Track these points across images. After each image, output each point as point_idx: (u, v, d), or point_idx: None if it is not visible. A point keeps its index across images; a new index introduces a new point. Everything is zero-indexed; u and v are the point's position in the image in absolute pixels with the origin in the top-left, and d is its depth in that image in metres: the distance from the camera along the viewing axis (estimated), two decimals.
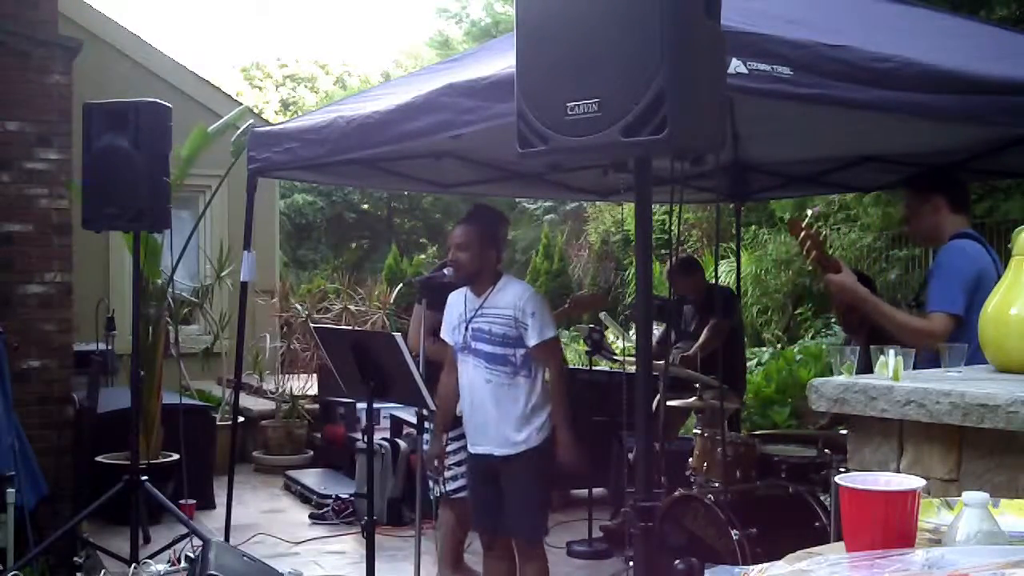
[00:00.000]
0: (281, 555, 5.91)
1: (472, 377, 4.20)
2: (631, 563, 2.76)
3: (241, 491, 7.19)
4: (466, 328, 4.18)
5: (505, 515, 4.17)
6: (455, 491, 4.55)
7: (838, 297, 3.92)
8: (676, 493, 4.21)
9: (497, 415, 4.13)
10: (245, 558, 4.02)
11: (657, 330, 6.91)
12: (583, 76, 2.36)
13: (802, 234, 3.65)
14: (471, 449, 4.29)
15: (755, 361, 8.85)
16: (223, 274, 8.52)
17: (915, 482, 1.58)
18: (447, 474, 4.52)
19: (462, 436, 4.42)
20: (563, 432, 4.16)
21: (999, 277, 3.40)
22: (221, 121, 7.25)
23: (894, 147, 5.13)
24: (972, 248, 3.61)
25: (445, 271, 4.31)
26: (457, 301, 4.31)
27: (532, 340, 4.08)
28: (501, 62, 3.41)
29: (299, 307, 10.45)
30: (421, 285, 4.52)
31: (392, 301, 11.02)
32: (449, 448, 4.52)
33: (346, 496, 6.88)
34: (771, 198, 8.98)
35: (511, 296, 4.14)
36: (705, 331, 6.00)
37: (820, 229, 10.55)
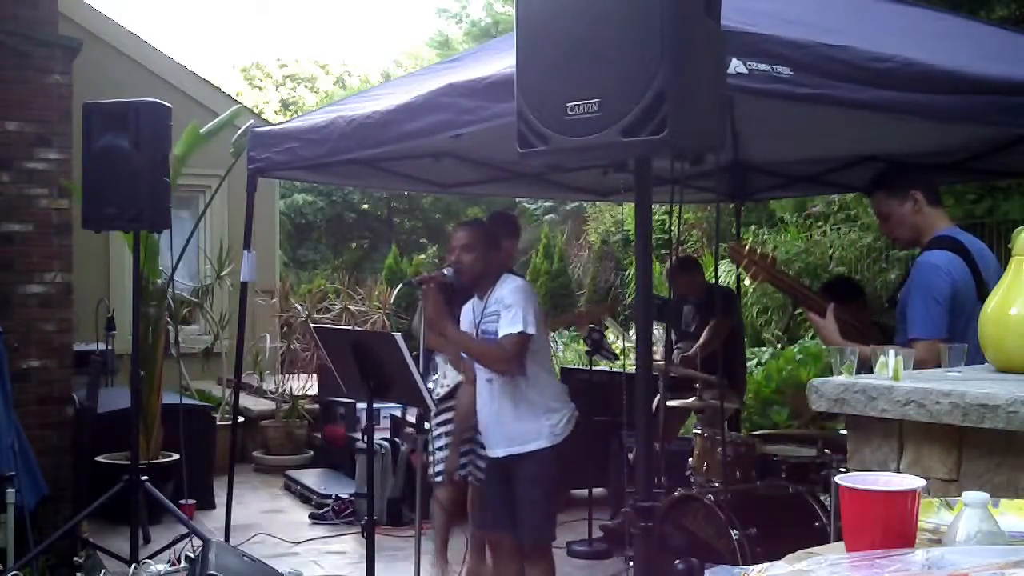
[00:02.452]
0: (281, 555, 5.91)
1: (480, 379, 4.23)
2: (631, 563, 2.76)
3: (241, 491, 7.18)
4: (477, 333, 4.19)
5: (515, 517, 4.13)
6: (438, 475, 4.74)
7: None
8: (676, 493, 4.21)
9: (502, 415, 4.12)
10: (245, 558, 4.02)
11: (658, 330, 6.93)
12: (583, 76, 2.36)
13: (744, 260, 3.59)
14: (487, 452, 4.31)
15: (755, 361, 8.83)
16: (223, 274, 8.51)
17: (915, 482, 1.58)
18: (437, 456, 4.59)
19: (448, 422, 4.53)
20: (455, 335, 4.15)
21: (978, 280, 3.39)
22: (215, 121, 7.24)
23: (894, 147, 5.12)
24: (946, 261, 3.44)
25: (445, 271, 4.31)
26: (467, 310, 4.32)
27: (501, 331, 3.98)
28: (501, 62, 3.41)
29: (299, 307, 10.46)
30: (419, 284, 4.53)
31: (392, 301, 11.03)
32: (436, 432, 4.59)
33: (346, 496, 6.88)
34: (771, 198, 8.96)
35: (500, 291, 4.15)
36: (705, 331, 5.99)
37: (813, 229, 10.55)
